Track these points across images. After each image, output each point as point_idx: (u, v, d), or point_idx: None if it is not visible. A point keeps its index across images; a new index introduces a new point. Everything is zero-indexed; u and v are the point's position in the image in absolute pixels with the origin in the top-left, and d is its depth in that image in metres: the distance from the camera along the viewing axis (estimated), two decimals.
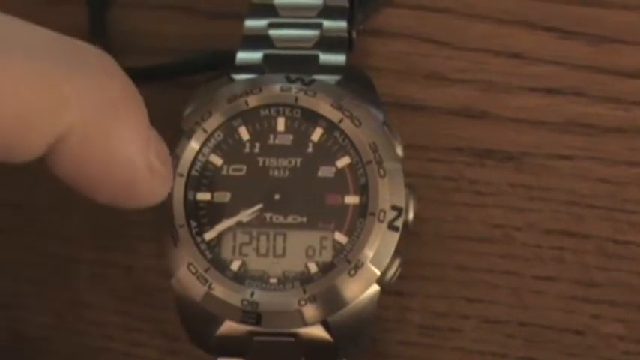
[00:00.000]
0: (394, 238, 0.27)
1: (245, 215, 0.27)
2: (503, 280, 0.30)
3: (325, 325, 0.26)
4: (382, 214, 0.27)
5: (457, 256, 0.31)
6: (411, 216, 0.27)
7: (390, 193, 0.27)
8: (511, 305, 0.30)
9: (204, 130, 0.28)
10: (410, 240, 0.27)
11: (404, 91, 0.33)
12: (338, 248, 0.27)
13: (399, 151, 0.27)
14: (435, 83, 0.33)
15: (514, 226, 0.31)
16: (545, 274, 0.30)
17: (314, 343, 0.26)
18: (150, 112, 0.24)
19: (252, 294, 0.26)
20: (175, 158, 0.27)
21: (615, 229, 0.31)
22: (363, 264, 0.26)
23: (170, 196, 0.27)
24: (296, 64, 0.28)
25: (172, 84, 0.33)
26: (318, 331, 0.26)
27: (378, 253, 0.26)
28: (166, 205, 0.27)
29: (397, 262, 0.27)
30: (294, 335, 0.26)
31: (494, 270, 0.31)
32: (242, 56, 0.29)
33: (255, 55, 0.29)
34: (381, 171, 0.27)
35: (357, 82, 0.28)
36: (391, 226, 0.26)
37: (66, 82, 0.22)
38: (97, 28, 0.33)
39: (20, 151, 0.22)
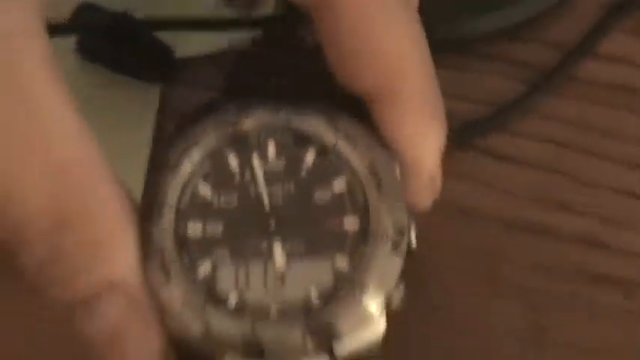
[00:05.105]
0: (398, 260, 0.25)
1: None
2: None
3: (331, 354, 0.25)
4: (384, 235, 0.25)
5: None
6: (413, 240, 0.26)
7: (391, 214, 0.26)
8: None
9: (191, 161, 0.26)
10: None
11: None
12: (339, 274, 0.25)
13: (398, 172, 0.26)
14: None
15: None
16: None
17: None
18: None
19: (252, 327, 0.25)
20: (162, 191, 0.26)
21: None
22: (367, 288, 0.25)
23: (158, 230, 0.25)
24: None
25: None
26: None
27: (382, 276, 0.25)
28: (154, 241, 0.25)
29: (402, 287, 0.25)
30: None
31: None
32: None
33: None
34: (381, 191, 0.26)
35: (350, 106, 0.27)
36: (395, 248, 0.25)
37: None
38: None
39: None
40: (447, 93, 0.38)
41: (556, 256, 0.37)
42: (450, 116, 0.37)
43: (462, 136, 0.39)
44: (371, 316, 0.25)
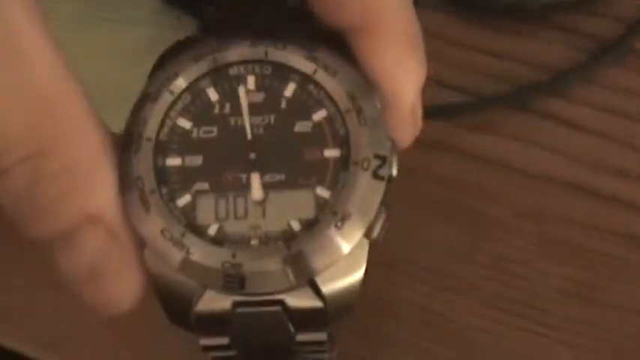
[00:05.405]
0: (379, 187, 0.25)
1: None
2: None
3: (314, 288, 0.25)
4: (365, 162, 0.25)
5: None
6: (394, 169, 0.25)
7: (372, 141, 0.25)
8: None
9: (171, 93, 0.26)
10: None
11: None
12: (321, 203, 0.25)
13: (377, 102, 0.26)
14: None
15: None
16: None
17: (303, 310, 0.25)
18: None
19: (233, 255, 0.25)
20: (142, 122, 0.26)
21: None
22: (349, 215, 0.25)
23: (138, 161, 0.25)
24: None
25: None
26: (307, 297, 0.25)
27: (364, 203, 0.25)
28: (134, 172, 0.25)
29: (383, 216, 0.25)
30: (281, 304, 0.25)
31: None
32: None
33: None
34: (362, 119, 0.26)
35: (330, 41, 0.27)
36: (376, 175, 0.25)
37: None
38: None
39: None
40: (511, 57, 0.40)
41: (608, 219, 0.38)
42: (512, 79, 0.39)
43: (521, 99, 0.40)
44: (354, 242, 0.25)
